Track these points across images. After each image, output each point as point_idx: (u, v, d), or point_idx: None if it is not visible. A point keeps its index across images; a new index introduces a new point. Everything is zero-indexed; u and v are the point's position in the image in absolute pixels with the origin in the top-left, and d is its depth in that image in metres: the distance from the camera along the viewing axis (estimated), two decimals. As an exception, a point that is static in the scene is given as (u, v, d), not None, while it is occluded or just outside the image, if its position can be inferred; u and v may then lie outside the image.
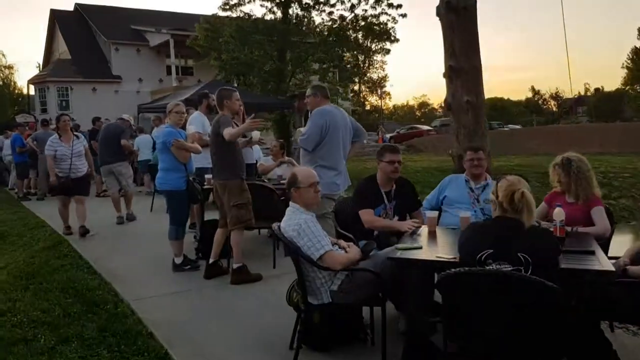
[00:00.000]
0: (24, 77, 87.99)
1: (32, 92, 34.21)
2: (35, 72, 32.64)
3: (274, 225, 3.46)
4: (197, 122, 6.65)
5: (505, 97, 76.65)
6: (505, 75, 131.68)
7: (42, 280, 5.45)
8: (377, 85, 58.76)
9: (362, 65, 20.24)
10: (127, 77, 30.40)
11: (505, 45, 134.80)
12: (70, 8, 34.13)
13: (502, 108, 68.86)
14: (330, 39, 18.74)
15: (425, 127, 39.95)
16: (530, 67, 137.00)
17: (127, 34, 31.19)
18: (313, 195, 3.42)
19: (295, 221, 3.28)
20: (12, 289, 5.22)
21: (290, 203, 3.47)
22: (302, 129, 5.12)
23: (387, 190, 4.15)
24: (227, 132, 4.84)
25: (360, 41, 19.01)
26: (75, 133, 7.94)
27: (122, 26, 31.35)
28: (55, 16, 32.90)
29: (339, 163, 4.84)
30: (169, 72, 31.25)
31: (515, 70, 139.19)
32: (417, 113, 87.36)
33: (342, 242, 3.50)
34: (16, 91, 35.50)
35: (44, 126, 12.57)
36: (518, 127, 43.23)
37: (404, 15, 18.17)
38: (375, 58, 22.07)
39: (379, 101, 66.66)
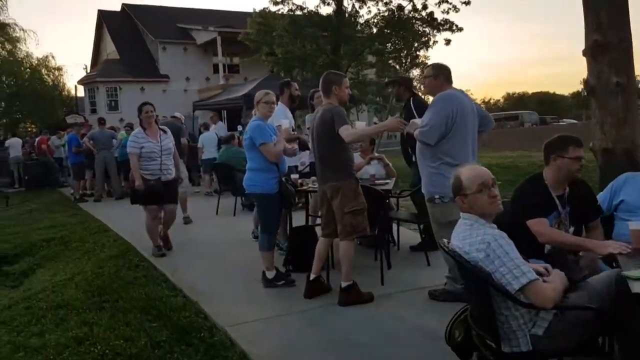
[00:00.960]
0: (71, 79, 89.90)
1: (80, 93, 34.51)
2: (82, 74, 32.83)
3: (443, 241, 2.61)
4: (280, 115, 5.86)
5: (551, 91, 73.92)
6: (545, 68, 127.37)
7: (118, 298, 4.75)
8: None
9: (414, 57, 19.02)
10: (174, 76, 30.20)
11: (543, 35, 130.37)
12: (117, 8, 34.22)
13: (551, 102, 66.34)
14: (387, 30, 17.80)
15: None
16: (571, 58, 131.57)
17: (174, 33, 30.99)
18: (487, 200, 2.54)
19: (480, 238, 2.42)
20: (85, 309, 4.53)
21: (462, 214, 2.61)
22: (418, 120, 4.26)
23: (560, 193, 3.23)
24: (350, 131, 4.04)
25: (420, 32, 17.94)
26: (161, 127, 6.55)
27: (169, 25, 31.17)
28: (103, 16, 33.00)
29: (467, 158, 3.95)
30: (215, 71, 30.94)
31: (554, 62, 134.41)
32: (483, 106, 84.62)
33: (537, 266, 2.60)
34: (64, 93, 35.84)
35: (100, 125, 12.08)
36: (575, 121, 41.23)
37: (467, 3, 17.06)
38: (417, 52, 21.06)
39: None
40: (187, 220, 8.40)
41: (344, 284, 4.26)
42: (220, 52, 28.61)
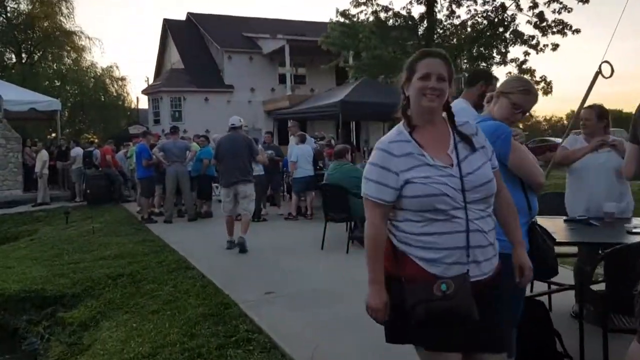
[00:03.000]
0: (132, 90, 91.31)
1: (141, 105, 33.84)
2: (143, 86, 32.10)
3: None
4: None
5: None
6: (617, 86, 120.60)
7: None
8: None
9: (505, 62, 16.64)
10: (239, 86, 28.93)
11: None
12: (183, 17, 33.40)
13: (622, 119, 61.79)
14: (490, 32, 15.64)
15: (558, 140, 35.51)
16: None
17: (239, 42, 29.81)
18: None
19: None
20: None
21: None
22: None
23: None
24: None
25: (526, 36, 15.70)
26: None
27: (235, 34, 30.01)
28: (168, 26, 32.21)
29: None
30: (281, 81, 29.49)
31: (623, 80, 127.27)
32: (544, 124, 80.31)
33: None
34: (126, 104, 35.32)
35: (172, 134, 10.47)
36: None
37: (585, 1, 14.73)
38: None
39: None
40: (241, 247, 7.21)
41: None
42: (289, 61, 27.11)
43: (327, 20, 17.82)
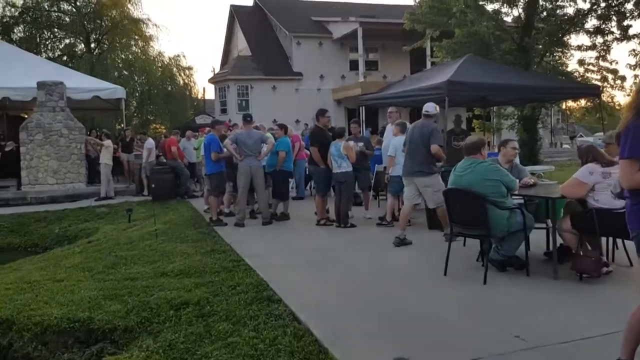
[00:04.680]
0: (198, 80, 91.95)
1: (208, 95, 33.01)
2: (210, 75, 31.09)
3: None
4: None
5: None
6: None
7: None
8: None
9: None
10: (308, 73, 27.51)
11: None
12: (250, 3, 32.25)
13: None
14: (606, 2, 13.25)
15: None
16: None
17: (308, 26, 28.34)
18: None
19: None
20: None
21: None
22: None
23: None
24: None
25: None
26: None
27: (303, 18, 28.57)
28: (235, 12, 31.13)
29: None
30: (352, 68, 27.80)
31: None
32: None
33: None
34: (192, 94, 34.71)
35: (246, 123, 8.99)
36: None
37: None
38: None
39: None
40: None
41: None
42: (361, 45, 25.36)
43: (399, 2, 16.01)
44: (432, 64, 22.62)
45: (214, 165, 9.00)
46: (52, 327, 5.02)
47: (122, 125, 17.56)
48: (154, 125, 33.30)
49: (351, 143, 8.46)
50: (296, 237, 7.92)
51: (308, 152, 11.69)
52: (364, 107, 18.68)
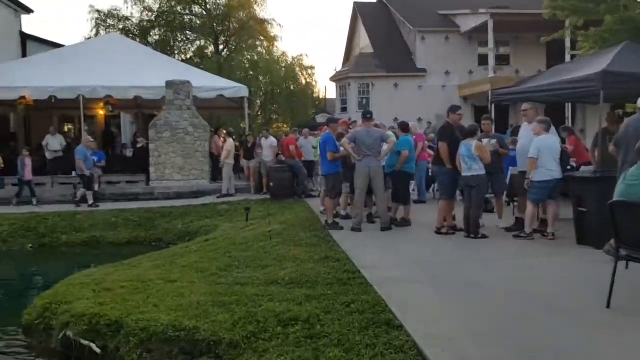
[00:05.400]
0: (320, 79, 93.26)
1: (329, 94, 32.96)
2: (331, 74, 30.96)
3: None
4: None
5: None
6: None
7: None
8: None
9: None
10: (432, 70, 26.31)
11: None
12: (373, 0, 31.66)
13: None
14: None
15: None
16: None
17: (434, 20, 27.10)
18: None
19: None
20: None
21: None
22: None
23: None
24: None
25: None
26: None
27: (429, 12, 27.37)
28: (358, 9, 30.66)
29: None
30: (481, 63, 26.15)
31: None
32: None
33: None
34: (315, 94, 34.96)
35: (365, 121, 8.38)
36: None
37: None
38: None
39: None
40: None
41: None
42: (492, 38, 23.73)
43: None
44: (572, 57, 20.49)
45: (330, 165, 8.50)
46: (158, 335, 4.78)
47: (245, 125, 17.77)
48: (277, 124, 33.97)
49: (484, 142, 7.52)
50: (418, 247, 7.17)
51: (431, 153, 10.83)
52: (493, 104, 17.29)
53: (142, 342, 4.80)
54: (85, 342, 5.11)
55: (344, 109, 26.72)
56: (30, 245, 11.07)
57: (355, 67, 27.11)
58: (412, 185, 10.44)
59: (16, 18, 20.22)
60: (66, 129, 20.42)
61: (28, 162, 13.24)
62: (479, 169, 7.29)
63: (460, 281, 5.42)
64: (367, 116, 8.40)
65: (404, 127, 9.09)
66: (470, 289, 5.12)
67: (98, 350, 5.01)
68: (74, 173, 14.24)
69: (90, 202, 12.92)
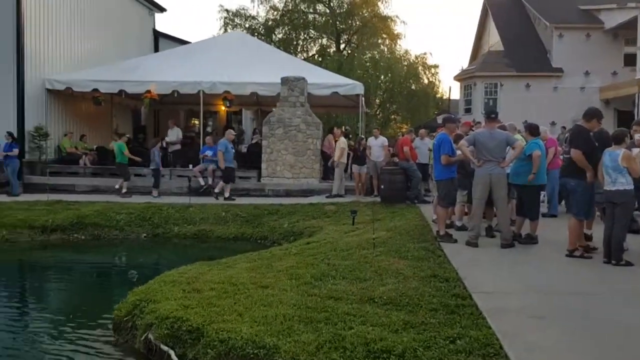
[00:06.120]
0: (444, 79, 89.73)
1: (454, 93, 31.51)
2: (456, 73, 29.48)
3: None
4: None
5: None
6: None
7: None
8: None
9: None
10: (570, 69, 24.10)
11: None
12: (506, -6, 29.66)
13: None
14: None
15: None
16: None
17: (574, 16, 24.78)
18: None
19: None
20: None
21: None
22: None
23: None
24: None
25: None
26: None
27: (568, 7, 25.09)
28: (488, 5, 28.91)
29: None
30: (626, 63, 23.41)
31: None
32: None
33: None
34: (438, 94, 33.55)
35: (489, 121, 7.40)
36: None
37: None
38: None
39: None
40: None
41: None
42: (642, 36, 21.05)
43: None
44: None
45: (443, 170, 7.62)
46: (236, 350, 4.34)
47: (361, 124, 17.19)
48: (396, 124, 33.12)
49: (635, 152, 6.25)
50: (544, 271, 6.11)
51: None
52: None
53: (219, 355, 4.40)
54: (165, 348, 4.81)
55: (467, 110, 25.28)
56: (145, 234, 11.38)
57: (482, 66, 25.54)
58: (542, 196, 9.21)
59: (150, 16, 21.41)
60: (191, 123, 21.23)
61: (158, 153, 13.78)
62: (625, 183, 6.06)
63: (598, 320, 4.38)
64: (492, 116, 7.41)
65: (533, 130, 7.90)
66: (611, 332, 4.09)
67: (176, 359, 4.68)
68: (190, 166, 14.61)
69: (226, 195, 13.06)
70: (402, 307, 4.83)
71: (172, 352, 4.73)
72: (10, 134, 13.43)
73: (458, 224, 8.46)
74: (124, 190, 13.53)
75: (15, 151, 13.34)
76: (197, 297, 5.51)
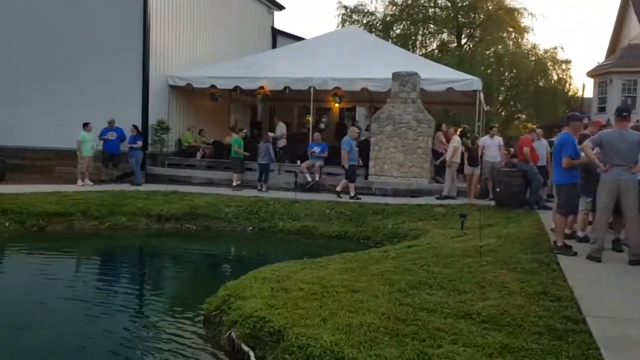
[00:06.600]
0: (577, 75, 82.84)
1: (588, 91, 28.92)
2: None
3: None
4: None
5: None
6: None
7: None
8: None
9: None
10: None
11: None
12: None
13: None
14: None
15: None
16: None
17: None
18: None
19: None
20: None
21: None
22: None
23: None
24: None
25: None
26: None
27: None
28: (631, -6, 26.09)
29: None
30: None
31: None
32: None
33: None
34: (570, 92, 30.95)
35: (620, 120, 6.47)
36: None
37: None
38: None
39: None
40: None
41: None
42: None
43: None
44: None
45: (564, 173, 6.78)
46: (313, 358, 4.08)
47: (480, 123, 16.21)
48: (520, 123, 31.19)
49: None
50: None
51: None
52: None
53: (296, 362, 4.16)
54: (246, 349, 4.68)
55: (601, 109, 23.06)
56: (251, 228, 11.56)
57: (620, 60, 23.14)
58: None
59: (269, 14, 21.92)
60: (305, 119, 21.45)
61: (271, 148, 14.03)
62: None
63: None
64: (623, 114, 6.47)
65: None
66: None
67: (255, 362, 4.54)
68: (298, 162, 14.67)
69: (352, 194, 12.87)
70: (501, 327, 4.29)
71: (251, 354, 4.59)
72: (135, 127, 14.38)
73: (580, 234, 7.56)
74: (235, 183, 13.91)
75: (139, 143, 14.27)
76: (284, 297, 5.34)
